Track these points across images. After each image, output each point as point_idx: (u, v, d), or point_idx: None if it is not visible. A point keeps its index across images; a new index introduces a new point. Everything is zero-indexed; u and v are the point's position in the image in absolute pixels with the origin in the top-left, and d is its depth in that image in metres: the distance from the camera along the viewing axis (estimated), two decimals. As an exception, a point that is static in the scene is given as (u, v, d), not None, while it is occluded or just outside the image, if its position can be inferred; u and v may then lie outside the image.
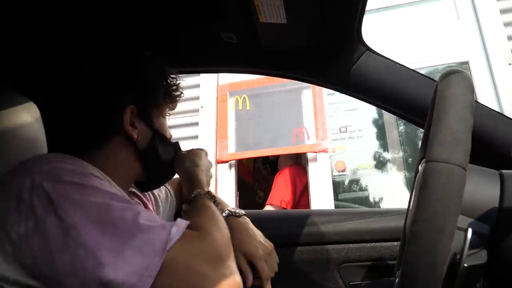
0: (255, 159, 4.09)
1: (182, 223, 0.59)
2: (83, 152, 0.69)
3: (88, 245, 0.50)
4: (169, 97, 0.80)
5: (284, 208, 2.67)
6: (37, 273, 0.50)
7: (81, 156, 0.67)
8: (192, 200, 0.76)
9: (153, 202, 0.90)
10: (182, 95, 0.84)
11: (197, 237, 0.59)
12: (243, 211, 0.95)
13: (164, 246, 0.52)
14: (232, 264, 0.60)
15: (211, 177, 0.95)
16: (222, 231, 0.65)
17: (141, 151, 0.73)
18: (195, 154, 0.89)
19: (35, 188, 0.53)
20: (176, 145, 0.85)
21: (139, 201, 0.85)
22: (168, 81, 0.81)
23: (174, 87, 0.81)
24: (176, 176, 0.87)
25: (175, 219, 0.97)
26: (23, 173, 0.56)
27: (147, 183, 0.80)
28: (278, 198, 2.71)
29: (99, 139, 0.70)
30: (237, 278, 0.59)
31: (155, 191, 0.93)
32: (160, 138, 0.77)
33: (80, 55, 0.72)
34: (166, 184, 1.00)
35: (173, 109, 0.83)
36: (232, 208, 0.95)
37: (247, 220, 0.93)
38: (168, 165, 0.81)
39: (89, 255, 0.49)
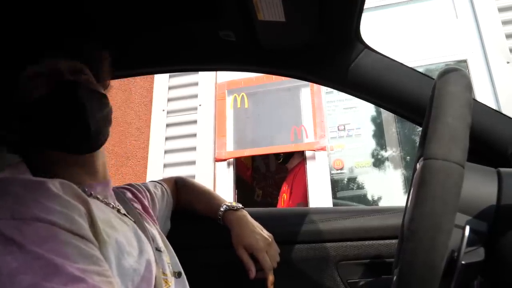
0: (253, 158, 4.09)
1: None
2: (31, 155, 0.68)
3: None
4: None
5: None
6: None
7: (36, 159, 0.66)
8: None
9: (149, 200, 0.90)
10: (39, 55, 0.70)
11: None
12: (240, 205, 0.96)
13: None
14: None
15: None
16: None
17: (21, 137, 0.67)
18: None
19: None
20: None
21: (134, 198, 0.85)
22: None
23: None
24: (173, 175, 0.86)
25: (172, 217, 0.98)
26: None
27: (65, 144, 0.67)
28: (304, 195, 2.73)
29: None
30: None
31: (151, 189, 0.94)
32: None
33: None
34: (162, 183, 1.01)
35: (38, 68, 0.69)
36: (229, 203, 0.96)
37: (245, 213, 0.94)
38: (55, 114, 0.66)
39: None
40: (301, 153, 2.97)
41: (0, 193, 0.52)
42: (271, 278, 0.87)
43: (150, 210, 0.86)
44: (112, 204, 0.73)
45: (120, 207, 0.75)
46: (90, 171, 0.71)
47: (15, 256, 0.47)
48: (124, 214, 0.73)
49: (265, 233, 0.92)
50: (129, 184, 0.91)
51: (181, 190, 1.04)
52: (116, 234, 0.62)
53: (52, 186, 0.55)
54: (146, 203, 0.87)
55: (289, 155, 3.09)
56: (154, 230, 0.79)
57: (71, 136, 0.67)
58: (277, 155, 3.04)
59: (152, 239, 0.74)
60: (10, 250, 0.47)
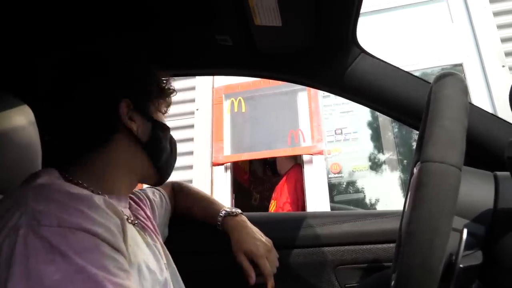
0: (251, 162, 4.09)
1: None
2: (86, 155, 0.68)
3: None
4: (162, 91, 0.80)
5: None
6: None
7: (85, 158, 0.67)
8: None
9: (150, 207, 0.89)
10: (174, 91, 0.83)
11: None
12: (239, 210, 0.96)
13: None
14: None
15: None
16: None
17: (144, 143, 0.72)
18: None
19: (15, 234, 0.48)
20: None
21: (137, 207, 0.84)
22: (158, 76, 0.80)
23: (165, 82, 0.81)
24: (169, 180, 0.87)
25: (169, 223, 0.98)
26: (13, 208, 0.51)
27: (159, 175, 0.78)
28: (298, 202, 2.73)
29: (101, 138, 0.69)
30: None
31: (150, 196, 0.93)
32: (161, 128, 0.76)
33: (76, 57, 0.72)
34: (160, 189, 1.00)
35: (169, 104, 0.83)
36: (228, 208, 0.96)
37: (244, 218, 0.94)
38: (172, 152, 0.80)
39: None
40: (294, 158, 2.97)
41: (45, 200, 0.52)
42: (271, 283, 0.86)
43: (153, 221, 0.85)
44: (130, 218, 0.73)
45: (135, 221, 0.75)
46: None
47: (59, 266, 0.47)
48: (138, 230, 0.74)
49: (265, 238, 0.91)
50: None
51: (179, 195, 1.04)
52: (141, 255, 0.65)
53: (95, 199, 0.56)
54: (148, 212, 0.86)
55: (273, 164, 3.10)
56: (158, 245, 0.78)
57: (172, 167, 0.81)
58: (265, 167, 3.05)
59: (161, 256, 0.74)
60: (53, 259, 0.47)
